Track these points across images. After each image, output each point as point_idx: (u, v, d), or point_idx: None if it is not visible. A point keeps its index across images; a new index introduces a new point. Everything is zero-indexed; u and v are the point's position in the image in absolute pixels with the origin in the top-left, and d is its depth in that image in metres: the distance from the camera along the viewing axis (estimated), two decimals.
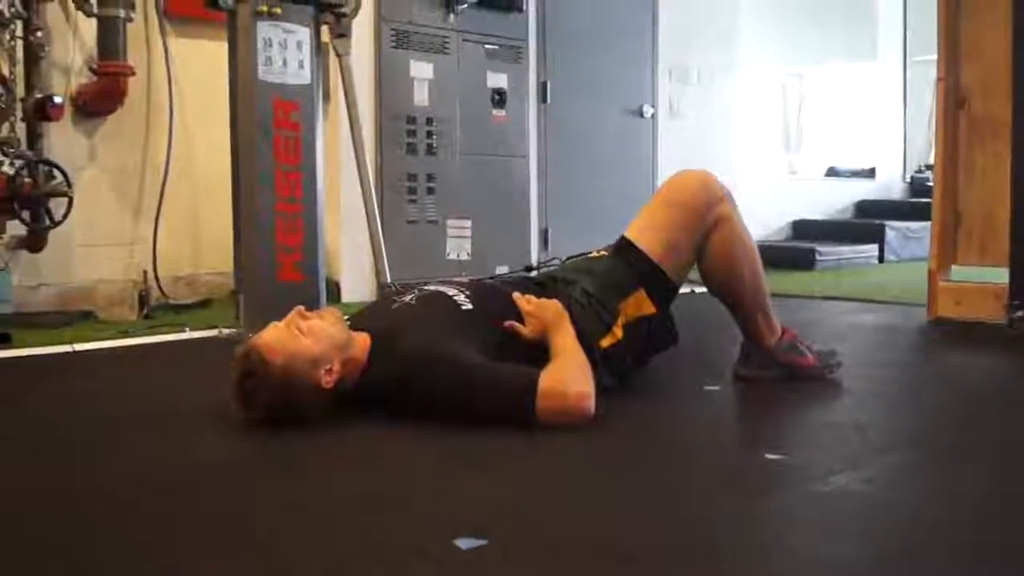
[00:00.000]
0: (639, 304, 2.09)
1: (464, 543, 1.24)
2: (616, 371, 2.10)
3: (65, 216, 3.63)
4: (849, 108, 7.55)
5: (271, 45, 3.09)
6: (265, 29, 3.07)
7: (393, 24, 4.33)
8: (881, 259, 6.29)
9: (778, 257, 5.78)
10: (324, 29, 3.30)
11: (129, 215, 3.98)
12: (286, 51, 3.12)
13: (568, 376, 1.84)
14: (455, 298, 2.04)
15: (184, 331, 3.28)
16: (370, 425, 1.88)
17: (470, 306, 2.02)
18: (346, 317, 2.04)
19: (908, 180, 7.72)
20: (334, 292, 4.15)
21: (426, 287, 2.13)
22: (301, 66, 3.15)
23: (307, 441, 1.79)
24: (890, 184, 7.62)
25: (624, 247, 2.13)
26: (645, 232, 2.11)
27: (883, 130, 7.60)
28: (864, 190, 7.41)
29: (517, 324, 2.00)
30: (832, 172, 7.50)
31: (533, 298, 2.05)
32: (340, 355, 1.88)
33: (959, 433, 1.87)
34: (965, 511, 1.39)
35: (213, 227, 3.89)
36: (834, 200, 7.20)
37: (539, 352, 1.94)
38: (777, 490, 1.50)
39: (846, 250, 6.11)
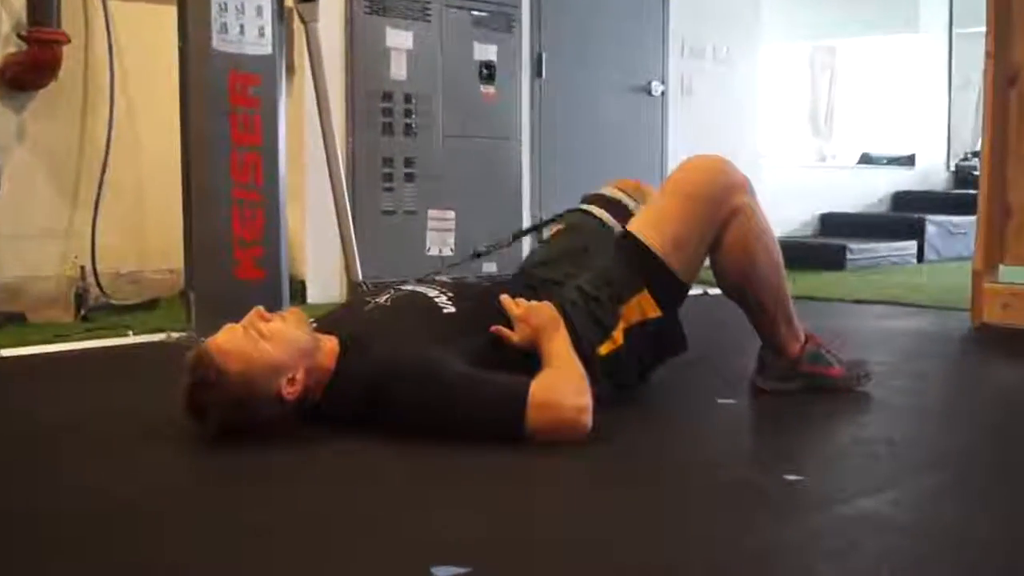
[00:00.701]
0: (642, 307, 2.09)
1: (442, 571, 1.25)
2: (617, 381, 2.11)
3: None
4: (886, 87, 7.60)
5: (227, 10, 3.09)
6: None
7: None
8: (920, 258, 6.34)
9: (804, 255, 5.81)
10: None
11: (64, 203, 3.97)
12: (244, 17, 3.12)
13: (562, 386, 1.86)
14: (436, 300, 2.05)
15: (128, 335, 3.28)
16: (338, 440, 1.88)
17: (452, 309, 2.03)
18: (312, 320, 2.05)
19: (952, 169, 7.77)
20: (298, 291, 4.16)
21: (403, 287, 2.15)
22: (261, 34, 3.16)
23: (268, 458, 1.80)
24: (932, 173, 7.66)
25: (626, 242, 2.14)
26: (651, 225, 2.12)
27: (925, 112, 7.65)
28: (902, 180, 7.45)
29: (505, 329, 2.01)
30: (866, 159, 7.55)
31: (523, 301, 2.06)
32: (305, 362, 1.89)
33: (1001, 452, 1.89)
34: (1003, 538, 1.42)
35: (161, 217, 3.88)
36: (868, 191, 7.24)
37: (531, 361, 1.95)
38: (796, 515, 1.52)
39: (881, 247, 6.15)
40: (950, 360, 3.04)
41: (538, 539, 1.41)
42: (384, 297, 2.09)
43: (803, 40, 7.15)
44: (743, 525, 1.47)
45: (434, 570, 1.26)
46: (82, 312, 3.74)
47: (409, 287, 2.14)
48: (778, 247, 2.22)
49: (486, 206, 4.74)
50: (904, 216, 6.79)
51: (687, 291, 2.16)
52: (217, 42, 3.10)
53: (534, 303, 2.05)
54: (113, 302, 3.87)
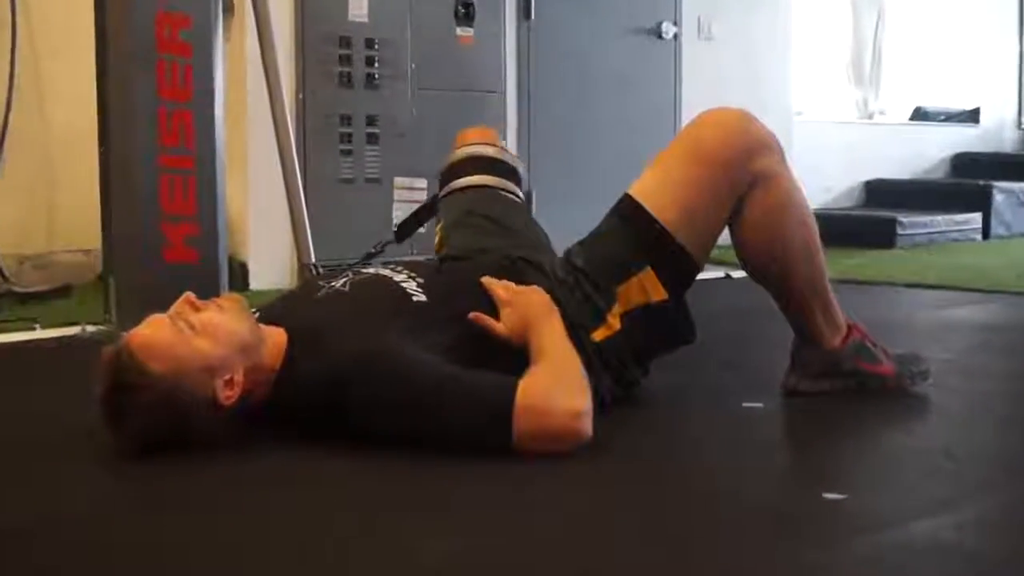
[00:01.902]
0: (644, 287, 2.10)
1: None
2: (614, 372, 2.11)
3: None
4: (944, 29, 7.59)
5: None
6: None
7: None
8: (986, 233, 6.37)
9: (847, 230, 5.83)
10: None
11: None
12: None
13: (556, 386, 1.85)
14: (404, 285, 2.04)
15: (34, 329, 3.26)
16: (284, 453, 1.88)
17: (423, 297, 2.03)
18: (254, 309, 2.04)
19: None
20: (239, 276, 4.16)
21: (364, 270, 2.14)
22: None
23: (199, 475, 1.78)
24: (999, 131, 7.69)
25: (628, 209, 2.13)
26: (658, 190, 2.12)
27: (991, 59, 7.65)
28: (964, 140, 7.47)
29: (486, 317, 2.01)
30: (920, 115, 7.55)
31: (511, 284, 2.06)
32: (245, 360, 1.88)
33: None
34: None
35: (74, 190, 3.88)
36: (923, 153, 7.26)
37: (519, 356, 1.95)
38: (837, 542, 1.51)
39: (938, 221, 6.17)
40: (1021, 356, 3.03)
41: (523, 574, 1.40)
42: (341, 282, 2.08)
43: None
44: (774, 554, 1.45)
45: None
46: None
47: (371, 270, 2.13)
48: (814, 221, 2.21)
49: None
50: (966, 183, 6.81)
51: (698, 270, 2.16)
52: None
53: (524, 287, 2.05)
54: (17, 290, 3.88)
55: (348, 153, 4.45)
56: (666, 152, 2.19)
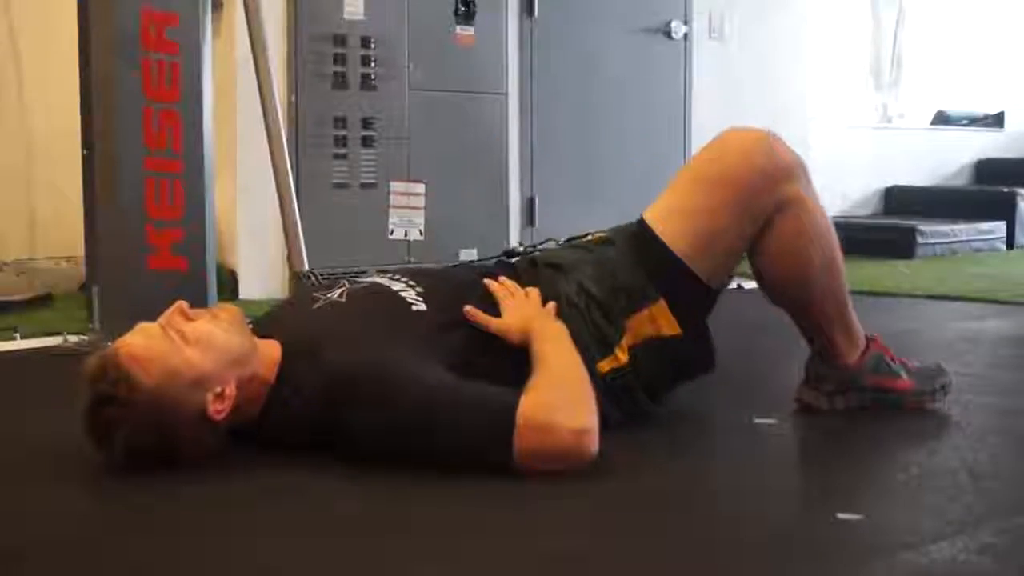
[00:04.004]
0: (656, 320, 2.09)
1: None
2: (621, 405, 2.11)
3: None
4: (967, 31, 7.60)
5: None
6: None
7: None
8: (1011, 243, 6.37)
9: (865, 239, 5.83)
10: None
11: None
12: None
13: (559, 401, 1.85)
14: (402, 295, 2.05)
15: (14, 338, 3.28)
16: (275, 472, 1.88)
17: (423, 306, 2.03)
18: (249, 320, 2.05)
19: None
20: (229, 285, 4.16)
21: (360, 279, 2.15)
22: None
23: (187, 494, 1.79)
24: None
25: (641, 236, 2.13)
26: (674, 217, 2.11)
27: (1015, 61, 7.65)
28: (987, 145, 7.47)
29: (479, 312, 2.02)
30: (942, 119, 7.55)
31: (511, 283, 2.09)
32: (237, 372, 1.88)
33: None
34: None
35: (56, 195, 3.89)
36: (944, 159, 7.26)
37: (520, 357, 1.96)
38: (851, 566, 1.51)
39: (961, 229, 6.18)
40: None
41: None
42: (337, 292, 2.08)
43: None
44: None
45: None
46: None
47: (368, 279, 2.14)
48: (837, 243, 2.21)
49: (465, 178, 4.76)
50: (990, 190, 6.81)
51: (715, 300, 2.16)
52: None
53: (527, 289, 2.08)
54: None
55: (343, 157, 4.46)
56: (683, 174, 2.20)
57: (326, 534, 1.65)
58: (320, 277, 3.07)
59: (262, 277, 4.24)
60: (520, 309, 2.05)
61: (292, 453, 1.91)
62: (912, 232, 5.95)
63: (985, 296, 4.20)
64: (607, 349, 2.08)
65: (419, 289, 2.07)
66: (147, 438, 1.83)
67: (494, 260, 2.32)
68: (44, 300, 3.97)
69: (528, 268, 2.21)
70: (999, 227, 6.37)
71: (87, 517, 1.77)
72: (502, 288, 2.09)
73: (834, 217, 5.97)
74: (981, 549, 1.54)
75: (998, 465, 2.02)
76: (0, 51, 3.96)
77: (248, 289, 4.23)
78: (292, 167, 3.59)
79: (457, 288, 2.11)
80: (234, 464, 1.90)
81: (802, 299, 2.18)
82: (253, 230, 4.20)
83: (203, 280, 3.25)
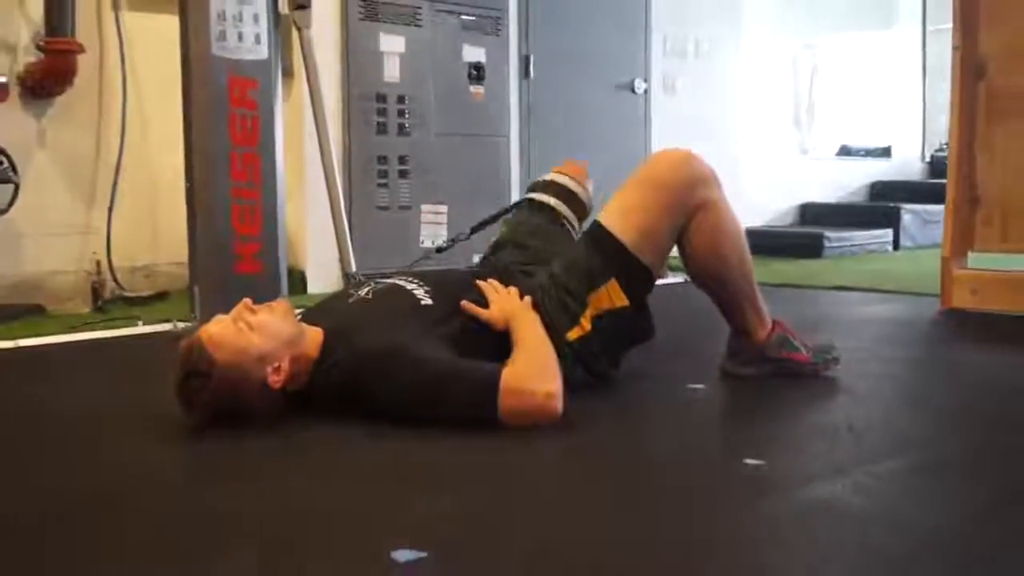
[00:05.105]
0: (611, 296, 2.05)
1: (401, 556, 1.22)
2: (587, 367, 2.08)
3: (10, 204, 3.60)
4: (864, 81, 7.51)
5: (225, 18, 3.06)
6: (218, 1, 3.04)
7: None
8: (896, 245, 6.27)
9: (784, 243, 5.77)
10: (282, 0, 3.27)
11: (82, 201, 3.96)
12: (241, 24, 3.09)
13: (532, 372, 1.82)
14: (414, 292, 2.02)
15: (137, 325, 3.26)
16: (319, 427, 1.86)
17: (430, 301, 2.00)
18: (299, 310, 2.03)
19: (928, 160, 7.69)
20: (300, 283, 4.13)
21: (382, 280, 2.12)
22: (258, 40, 3.13)
23: (252, 445, 1.77)
24: (907, 164, 7.59)
25: (596, 233, 2.10)
26: (619, 216, 2.08)
27: (900, 105, 7.56)
28: (879, 170, 7.38)
29: (473, 304, 1.99)
30: (844, 151, 7.47)
31: (497, 283, 2.06)
32: (289, 352, 1.86)
33: (963, 437, 1.83)
34: (953, 523, 1.37)
35: (172, 214, 3.86)
36: (846, 181, 7.18)
37: (505, 345, 1.92)
38: (752, 500, 1.47)
39: (858, 236, 6.09)
40: (918, 345, 2.97)
41: (504, 529, 1.37)
42: (365, 290, 2.06)
43: (784, 36, 7.06)
44: (699, 510, 1.42)
45: (394, 555, 1.22)
46: (98, 304, 3.72)
47: (389, 281, 2.10)
48: (744, 237, 2.17)
49: (477, 200, 4.68)
50: (880, 205, 6.72)
51: (654, 280, 2.12)
52: (216, 49, 3.07)
53: (509, 288, 2.05)
54: (127, 294, 3.88)
55: (384, 185, 4.42)
56: (626, 184, 2.15)
57: (350, 473, 1.63)
58: (360, 277, 3.04)
59: (325, 277, 4.20)
60: (503, 303, 2.01)
61: (331, 413, 1.89)
62: (820, 237, 5.86)
63: (873, 287, 4.11)
64: (573, 321, 2.05)
65: (426, 288, 2.04)
66: (223, 402, 1.81)
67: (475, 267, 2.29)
68: (163, 296, 3.96)
69: (508, 272, 2.17)
70: (887, 234, 6.26)
71: (176, 461, 1.75)
72: (490, 287, 2.06)
73: (761, 226, 5.89)
74: (855, 488, 1.50)
75: (873, 420, 1.96)
76: (131, 107, 3.94)
77: (314, 286, 4.19)
78: (346, 194, 3.58)
79: (455, 286, 2.08)
80: (288, 422, 1.87)
81: (719, 276, 2.13)
82: (318, 241, 4.16)
83: (276, 280, 3.24)
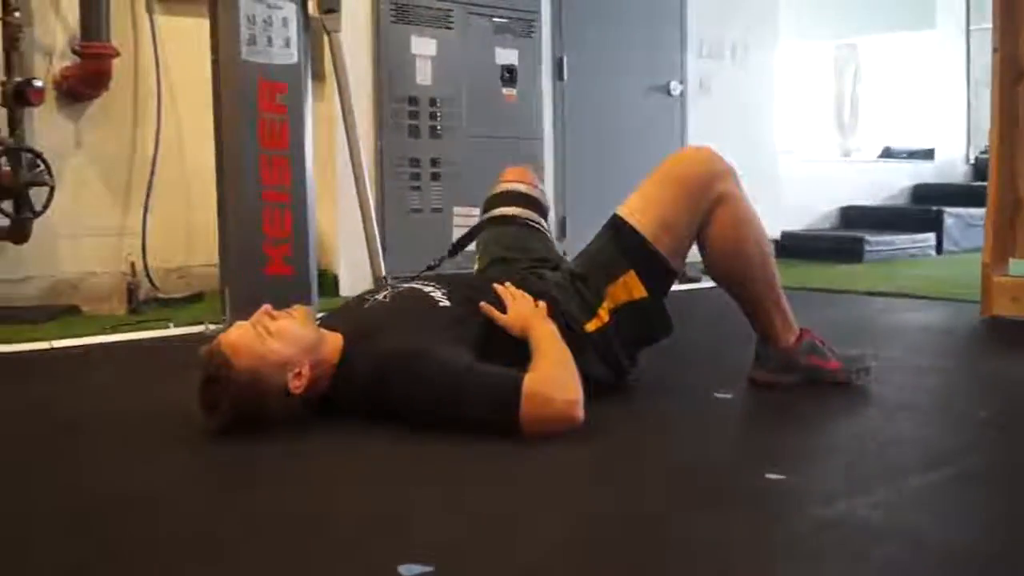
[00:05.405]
0: (628, 287, 2.05)
1: (406, 570, 1.20)
2: (606, 359, 2.06)
3: (46, 207, 3.65)
4: (907, 83, 7.39)
5: (254, 22, 3.07)
6: (248, 5, 3.05)
7: None
8: (939, 250, 6.15)
9: (824, 247, 5.68)
10: (312, 4, 3.27)
11: (117, 204, 4.00)
12: (271, 28, 3.09)
13: (554, 380, 1.80)
14: (432, 295, 2.01)
15: (168, 327, 3.28)
16: (339, 433, 1.85)
17: (448, 302, 1.99)
18: (319, 315, 2.02)
19: (971, 162, 7.54)
20: (332, 284, 4.14)
21: (402, 284, 2.11)
22: (287, 44, 3.13)
23: (270, 450, 1.76)
24: (951, 166, 7.44)
25: (615, 225, 2.10)
26: (639, 208, 2.08)
27: (944, 107, 7.42)
28: (922, 173, 7.25)
29: (491, 307, 1.98)
30: (887, 153, 7.35)
31: (513, 287, 2.05)
32: (309, 357, 1.86)
33: (999, 452, 1.77)
34: (975, 541, 1.32)
35: (206, 216, 3.88)
36: (888, 184, 7.05)
37: (522, 348, 1.90)
38: (767, 515, 1.44)
39: (899, 240, 5.98)
40: (955, 355, 2.90)
41: (513, 539, 1.35)
42: (382, 294, 2.06)
43: (823, 39, 6.97)
44: (713, 525, 1.39)
45: (401, 569, 1.21)
46: (133, 305, 3.76)
47: (407, 285, 2.10)
48: (766, 236, 2.15)
49: None
50: (923, 208, 6.59)
51: (674, 275, 2.10)
52: (246, 53, 3.08)
53: (522, 293, 2.04)
54: (162, 296, 3.91)
55: (417, 188, 4.42)
56: (646, 179, 2.14)
57: (366, 479, 1.63)
58: (391, 281, 3.03)
59: (357, 279, 4.19)
60: (519, 308, 1.99)
61: (353, 418, 1.88)
62: (862, 242, 5.76)
63: (912, 293, 4.03)
64: (591, 313, 2.04)
65: (444, 290, 2.03)
66: (243, 407, 1.81)
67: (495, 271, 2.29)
68: (197, 297, 3.98)
69: (522, 275, 2.16)
70: (930, 238, 6.15)
71: (195, 465, 1.75)
72: (506, 292, 2.04)
73: (800, 230, 5.78)
74: (874, 504, 1.45)
75: (900, 434, 1.91)
76: (165, 110, 3.99)
77: (346, 289, 4.19)
78: (378, 197, 3.58)
79: (473, 290, 2.07)
80: (309, 427, 1.87)
81: (740, 272, 2.11)
82: (350, 244, 4.16)
83: (306, 282, 3.22)
